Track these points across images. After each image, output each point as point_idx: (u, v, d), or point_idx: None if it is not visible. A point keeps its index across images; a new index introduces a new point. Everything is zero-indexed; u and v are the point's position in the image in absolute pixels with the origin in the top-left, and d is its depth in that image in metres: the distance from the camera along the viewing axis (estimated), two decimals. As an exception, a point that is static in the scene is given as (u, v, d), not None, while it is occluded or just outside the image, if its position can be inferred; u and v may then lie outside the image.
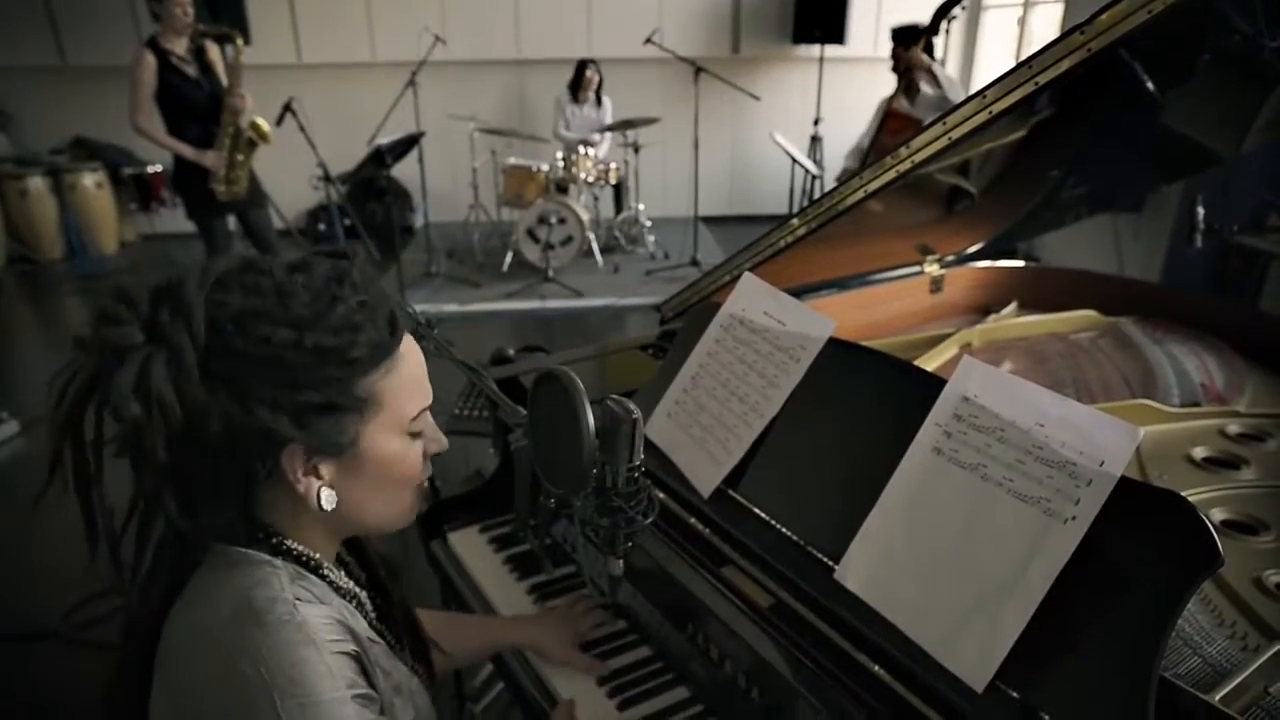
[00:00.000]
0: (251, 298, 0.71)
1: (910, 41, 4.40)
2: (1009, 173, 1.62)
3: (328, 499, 0.76)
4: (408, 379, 0.79)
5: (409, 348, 0.80)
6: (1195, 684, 0.76)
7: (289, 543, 0.78)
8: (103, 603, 2.34)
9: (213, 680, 0.69)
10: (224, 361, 0.69)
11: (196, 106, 3.76)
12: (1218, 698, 0.73)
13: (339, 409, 0.74)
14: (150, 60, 3.59)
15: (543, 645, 1.16)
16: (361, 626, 0.81)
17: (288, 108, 4.82)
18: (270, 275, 0.74)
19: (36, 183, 6.19)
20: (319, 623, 0.73)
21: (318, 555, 0.80)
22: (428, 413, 0.82)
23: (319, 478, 0.76)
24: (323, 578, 0.80)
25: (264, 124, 3.90)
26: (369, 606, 0.87)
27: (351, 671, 0.74)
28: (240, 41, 3.81)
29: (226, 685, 0.68)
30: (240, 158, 3.83)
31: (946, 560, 0.80)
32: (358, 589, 0.86)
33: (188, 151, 3.72)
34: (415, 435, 0.81)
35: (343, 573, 0.85)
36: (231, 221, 4.11)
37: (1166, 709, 0.69)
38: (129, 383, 0.66)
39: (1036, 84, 1.04)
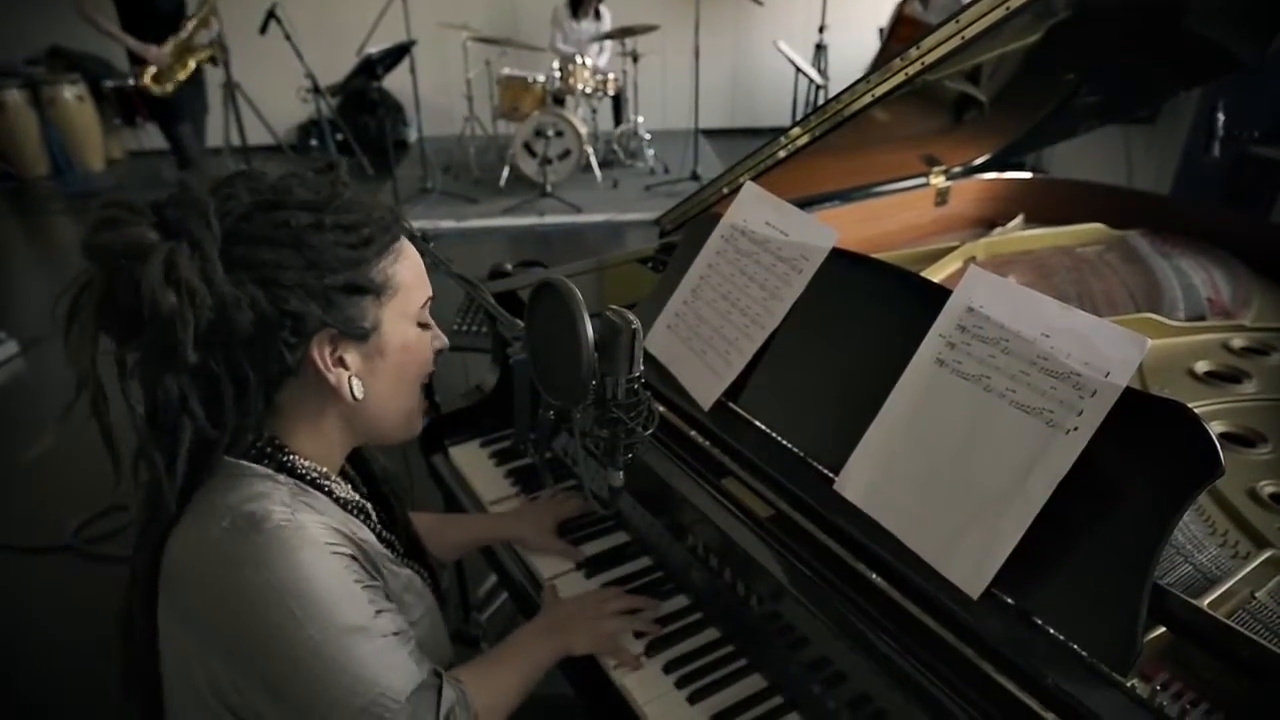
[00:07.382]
0: (257, 194, 0.74)
1: None
2: (1022, 79, 1.56)
3: (359, 388, 0.79)
4: (413, 267, 0.83)
5: (406, 242, 0.83)
6: (1185, 589, 0.78)
7: (294, 458, 0.79)
8: (116, 516, 2.39)
9: (219, 593, 0.70)
10: (246, 250, 0.71)
11: (161, 13, 3.85)
12: (1206, 602, 0.75)
13: (361, 290, 0.77)
14: None
15: (523, 535, 1.21)
16: (367, 535, 0.82)
17: (271, 14, 4.64)
18: (266, 178, 0.76)
19: (13, 95, 5.99)
20: (317, 528, 0.74)
21: (323, 469, 0.81)
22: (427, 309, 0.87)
23: (346, 367, 0.78)
24: (326, 492, 0.80)
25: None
26: (374, 517, 0.88)
27: (355, 570, 0.76)
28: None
29: (234, 596, 0.69)
30: (190, 62, 3.98)
31: (946, 471, 0.80)
32: (363, 500, 0.87)
33: (132, 43, 3.83)
34: (424, 327, 0.85)
35: (348, 485, 0.86)
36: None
37: (1156, 613, 0.71)
38: (158, 274, 0.66)
39: (1059, -23, 0.98)
